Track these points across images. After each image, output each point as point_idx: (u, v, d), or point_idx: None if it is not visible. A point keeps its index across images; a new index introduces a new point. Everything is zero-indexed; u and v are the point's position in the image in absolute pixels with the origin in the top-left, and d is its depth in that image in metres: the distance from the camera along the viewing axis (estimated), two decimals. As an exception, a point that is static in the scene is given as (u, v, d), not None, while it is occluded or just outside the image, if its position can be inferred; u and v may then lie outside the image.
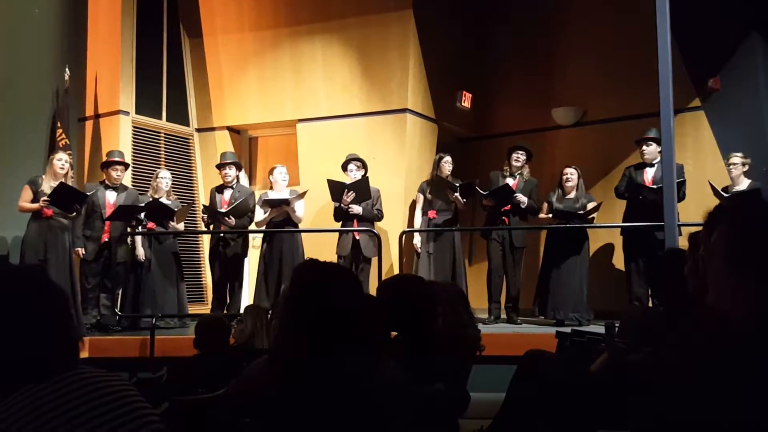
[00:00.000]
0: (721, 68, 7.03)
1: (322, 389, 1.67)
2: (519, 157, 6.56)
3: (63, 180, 6.02)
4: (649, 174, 6.32)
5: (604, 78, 7.58)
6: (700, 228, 2.36)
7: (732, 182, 6.13)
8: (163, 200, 6.58)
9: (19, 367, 1.22)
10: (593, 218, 6.42)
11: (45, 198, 5.89)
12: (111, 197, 6.44)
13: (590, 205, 6.31)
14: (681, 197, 5.84)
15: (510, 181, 6.51)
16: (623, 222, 6.46)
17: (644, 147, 6.30)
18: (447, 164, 6.65)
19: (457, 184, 6.47)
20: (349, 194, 6.39)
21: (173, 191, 6.96)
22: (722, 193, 5.88)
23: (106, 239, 6.41)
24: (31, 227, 5.98)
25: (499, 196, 6.35)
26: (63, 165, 6.08)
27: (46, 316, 1.27)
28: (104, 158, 6.75)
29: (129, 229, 6.56)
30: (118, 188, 6.52)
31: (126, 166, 6.71)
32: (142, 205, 6.59)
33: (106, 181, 6.53)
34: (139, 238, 6.52)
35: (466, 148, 8.49)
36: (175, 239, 6.82)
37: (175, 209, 6.56)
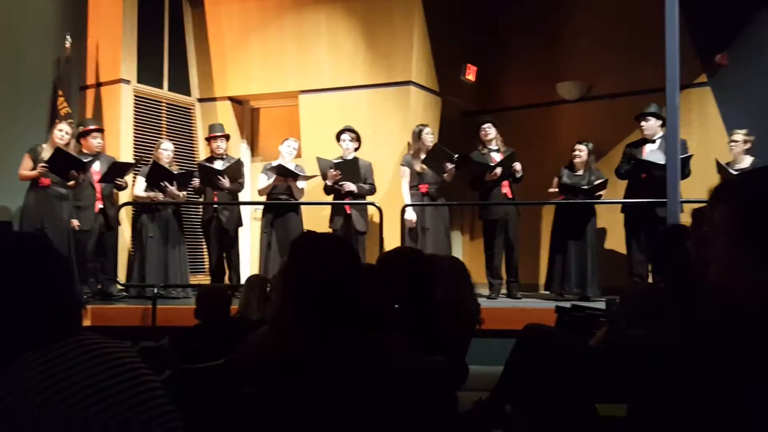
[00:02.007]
0: (729, 44, 6.95)
1: (322, 360, 1.68)
2: (488, 131, 6.52)
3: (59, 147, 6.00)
4: (648, 150, 6.28)
5: (610, 52, 7.50)
6: (703, 204, 2.34)
7: (733, 159, 6.10)
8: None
9: (21, 334, 1.22)
10: (600, 195, 6.41)
11: (43, 164, 5.87)
12: (95, 166, 6.37)
13: (597, 181, 6.31)
14: (686, 174, 5.81)
15: (495, 156, 6.48)
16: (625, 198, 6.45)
17: (643, 122, 6.26)
18: (429, 136, 6.54)
19: (456, 156, 6.41)
20: (336, 173, 6.35)
21: (174, 162, 6.94)
22: (729, 170, 5.84)
23: (101, 206, 6.38)
24: (29, 197, 5.99)
25: (505, 166, 6.34)
26: (63, 136, 6.08)
27: (48, 282, 1.27)
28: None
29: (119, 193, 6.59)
30: (99, 156, 6.48)
31: (102, 131, 6.64)
32: (132, 162, 6.59)
33: (84, 150, 6.41)
34: (141, 185, 6.53)
35: (470, 121, 8.42)
36: (176, 208, 6.81)
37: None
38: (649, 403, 1.00)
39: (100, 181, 6.32)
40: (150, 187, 6.53)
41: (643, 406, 1.01)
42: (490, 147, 6.54)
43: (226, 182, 6.52)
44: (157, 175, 6.43)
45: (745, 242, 1.00)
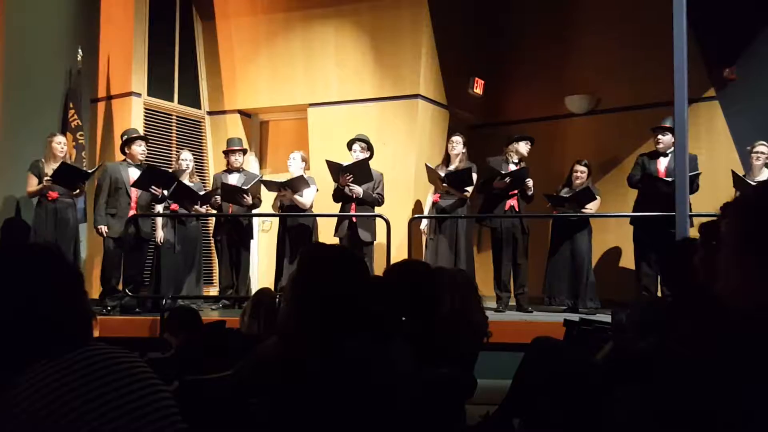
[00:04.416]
0: (737, 58, 6.95)
1: (330, 371, 1.68)
2: (528, 148, 6.50)
3: (63, 161, 6.06)
4: (662, 164, 6.26)
5: (618, 66, 7.51)
6: (711, 218, 2.34)
7: (751, 172, 6.05)
8: (185, 182, 6.50)
9: (33, 343, 1.23)
10: (589, 206, 6.34)
11: (48, 178, 5.95)
12: (135, 174, 6.34)
13: (580, 188, 6.29)
14: (694, 189, 5.79)
15: (511, 167, 6.47)
16: (634, 212, 6.42)
17: (659, 136, 6.24)
18: (452, 144, 6.50)
19: (442, 174, 6.35)
20: (347, 176, 6.35)
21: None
22: (748, 180, 5.80)
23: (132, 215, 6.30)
24: (38, 215, 6.03)
25: (515, 178, 6.31)
26: (62, 148, 6.14)
27: (60, 291, 1.28)
28: (118, 138, 6.75)
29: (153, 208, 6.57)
30: (141, 166, 6.44)
31: (147, 140, 6.65)
32: (171, 171, 6.57)
33: (128, 160, 6.43)
34: (159, 221, 6.49)
35: (478, 134, 8.44)
36: (199, 221, 6.81)
37: (200, 192, 6.55)
38: (654, 416, 1.00)
39: (133, 185, 6.26)
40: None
41: (646, 405, 1.01)
42: (516, 160, 6.48)
43: (249, 200, 6.56)
44: (181, 195, 6.38)
45: (750, 255, 1.01)
